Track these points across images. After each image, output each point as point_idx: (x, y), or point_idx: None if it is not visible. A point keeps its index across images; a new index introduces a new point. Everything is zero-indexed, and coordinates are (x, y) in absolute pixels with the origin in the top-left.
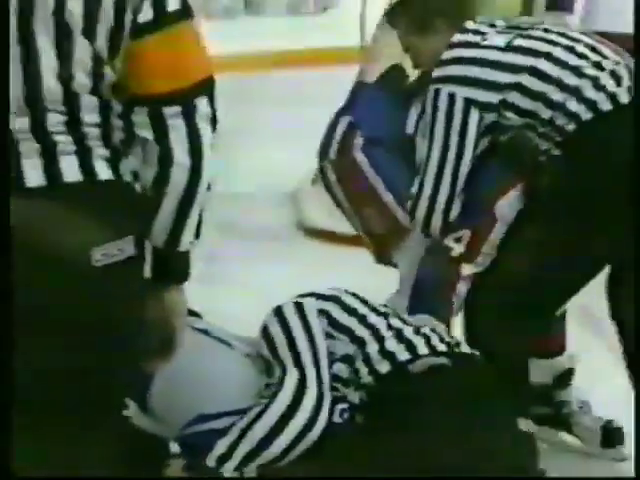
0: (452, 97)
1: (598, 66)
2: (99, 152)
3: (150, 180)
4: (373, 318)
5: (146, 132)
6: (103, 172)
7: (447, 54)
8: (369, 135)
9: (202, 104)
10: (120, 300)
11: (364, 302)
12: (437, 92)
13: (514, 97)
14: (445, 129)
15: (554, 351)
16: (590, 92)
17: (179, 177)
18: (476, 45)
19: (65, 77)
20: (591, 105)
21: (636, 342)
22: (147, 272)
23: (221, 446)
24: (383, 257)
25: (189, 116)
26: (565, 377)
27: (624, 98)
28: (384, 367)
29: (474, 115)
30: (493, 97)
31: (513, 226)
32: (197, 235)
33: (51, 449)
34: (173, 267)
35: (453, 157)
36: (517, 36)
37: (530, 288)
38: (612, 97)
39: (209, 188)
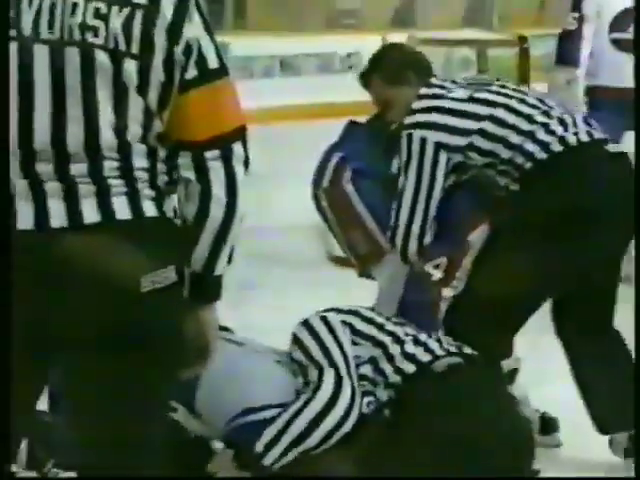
0: (424, 141)
1: (547, 114)
2: (146, 193)
3: (192, 214)
4: (390, 326)
5: (189, 173)
6: (149, 210)
7: (417, 104)
8: (357, 168)
9: (237, 148)
10: (163, 319)
11: (379, 314)
12: (410, 136)
13: (478, 141)
14: (418, 168)
15: (505, 355)
16: (542, 135)
17: (217, 211)
18: (442, 97)
19: (120, 129)
20: (544, 146)
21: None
22: (185, 293)
23: (268, 434)
24: (364, 271)
25: (227, 159)
26: (511, 375)
27: (572, 141)
28: (410, 367)
29: (443, 156)
30: (461, 141)
31: (479, 254)
32: (229, 261)
33: (102, 448)
34: (208, 288)
35: (425, 193)
36: (477, 90)
37: (495, 308)
38: (561, 140)
39: (241, 221)
